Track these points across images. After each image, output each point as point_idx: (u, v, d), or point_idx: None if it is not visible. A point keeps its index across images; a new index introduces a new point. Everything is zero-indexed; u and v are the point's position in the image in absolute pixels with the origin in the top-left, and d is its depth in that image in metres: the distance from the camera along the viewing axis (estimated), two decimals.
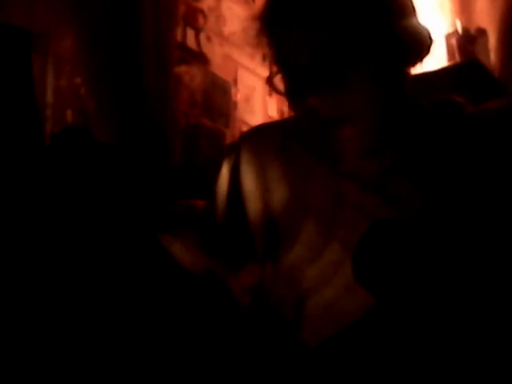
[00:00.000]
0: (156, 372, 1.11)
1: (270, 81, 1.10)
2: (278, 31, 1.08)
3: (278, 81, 1.09)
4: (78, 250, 1.18)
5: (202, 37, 3.12)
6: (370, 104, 1.06)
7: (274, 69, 1.09)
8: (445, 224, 1.05)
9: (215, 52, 3.14)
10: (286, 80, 1.08)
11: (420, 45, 1.10)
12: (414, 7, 1.11)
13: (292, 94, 1.08)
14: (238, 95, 3.26)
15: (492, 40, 3.05)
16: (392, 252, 1.05)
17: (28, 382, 1.13)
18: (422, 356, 1.03)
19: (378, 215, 1.07)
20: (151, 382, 1.13)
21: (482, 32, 3.07)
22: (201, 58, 3.11)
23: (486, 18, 3.11)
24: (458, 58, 3.02)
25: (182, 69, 3.00)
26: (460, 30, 3.10)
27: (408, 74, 1.12)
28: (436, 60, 2.92)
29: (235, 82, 3.24)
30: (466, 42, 3.06)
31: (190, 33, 3.08)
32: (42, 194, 1.23)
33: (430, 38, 1.11)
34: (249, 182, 1.21)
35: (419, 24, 1.10)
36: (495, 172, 1.07)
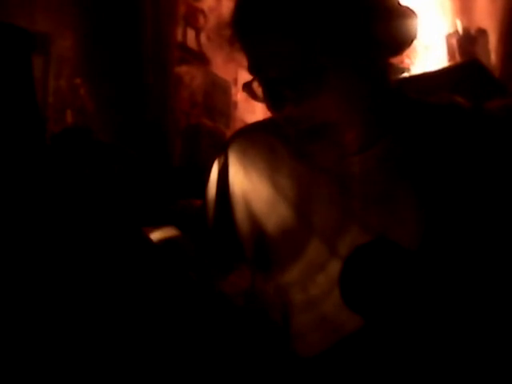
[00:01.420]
0: (147, 374, 1.11)
1: (247, 87, 1.08)
2: (249, 40, 1.06)
3: (257, 86, 1.07)
4: (78, 249, 1.18)
5: (203, 37, 3.12)
6: (349, 104, 1.05)
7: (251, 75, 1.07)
8: (441, 236, 1.03)
9: (215, 52, 3.13)
10: (263, 88, 1.06)
11: (398, 43, 1.07)
12: (395, 5, 1.07)
13: (269, 102, 1.06)
14: (239, 95, 3.26)
15: (492, 40, 3.05)
16: (379, 274, 1.04)
17: (23, 381, 1.13)
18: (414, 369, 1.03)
19: (379, 228, 1.06)
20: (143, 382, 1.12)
21: (482, 32, 3.07)
22: (201, 58, 3.11)
23: (486, 18, 3.11)
24: (458, 58, 3.02)
25: (182, 69, 3.00)
26: (460, 30, 3.10)
27: (388, 64, 1.09)
28: (436, 60, 2.92)
29: (235, 81, 3.23)
30: (467, 42, 3.06)
31: (191, 33, 3.07)
32: (42, 194, 1.23)
33: (413, 33, 1.07)
34: (236, 183, 1.19)
35: (399, 22, 1.06)
36: (496, 172, 1.06)
